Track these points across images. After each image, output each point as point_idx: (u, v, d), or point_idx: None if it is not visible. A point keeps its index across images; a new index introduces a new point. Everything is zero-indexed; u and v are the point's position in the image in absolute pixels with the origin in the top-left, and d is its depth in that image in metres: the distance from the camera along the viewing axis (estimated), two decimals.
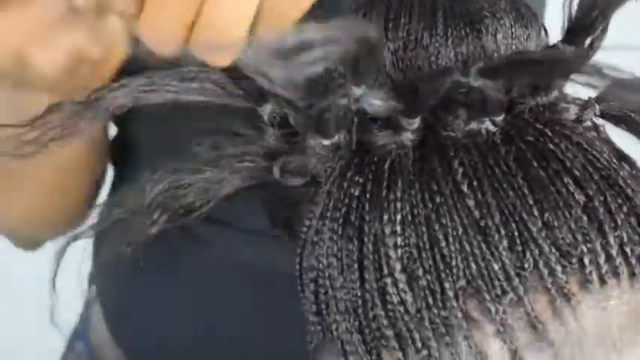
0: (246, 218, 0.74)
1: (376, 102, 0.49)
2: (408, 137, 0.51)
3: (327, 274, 0.52)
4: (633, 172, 0.52)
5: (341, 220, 0.51)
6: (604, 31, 0.52)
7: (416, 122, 0.50)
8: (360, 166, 0.52)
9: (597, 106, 0.54)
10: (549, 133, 0.51)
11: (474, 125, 0.51)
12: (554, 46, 0.53)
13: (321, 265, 0.52)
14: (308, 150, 0.54)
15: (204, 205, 0.57)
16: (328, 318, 0.52)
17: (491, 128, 0.51)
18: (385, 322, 0.49)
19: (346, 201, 0.52)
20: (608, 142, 0.54)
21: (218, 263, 0.78)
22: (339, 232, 0.51)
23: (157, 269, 0.80)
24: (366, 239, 0.50)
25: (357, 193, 0.51)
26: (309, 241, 0.54)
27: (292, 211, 0.60)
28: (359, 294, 0.50)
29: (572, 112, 0.54)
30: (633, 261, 0.49)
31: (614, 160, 0.52)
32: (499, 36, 0.52)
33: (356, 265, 0.50)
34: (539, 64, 0.48)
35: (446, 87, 0.48)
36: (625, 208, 0.50)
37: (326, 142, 0.53)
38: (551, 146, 0.51)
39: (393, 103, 0.49)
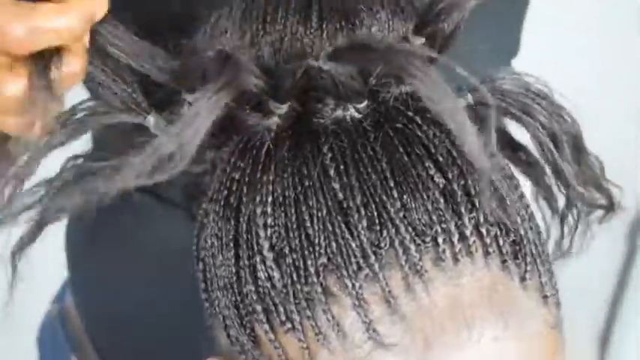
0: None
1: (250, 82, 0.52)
2: (275, 121, 0.54)
3: (210, 253, 0.55)
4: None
5: (222, 202, 0.55)
6: (455, 29, 0.55)
7: (284, 107, 0.53)
8: (242, 151, 0.55)
9: (469, 96, 0.57)
10: (418, 121, 0.54)
11: (339, 112, 0.54)
12: (405, 37, 0.55)
13: (206, 245, 0.56)
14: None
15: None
16: (212, 295, 0.56)
17: (356, 115, 0.54)
18: (255, 297, 0.52)
19: (228, 184, 0.55)
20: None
21: (152, 239, 0.80)
22: (220, 214, 0.55)
23: (103, 242, 0.82)
24: (241, 219, 0.53)
25: (237, 177, 0.55)
26: (199, 222, 0.58)
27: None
28: (234, 271, 0.53)
29: None
30: (488, 241, 0.52)
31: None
32: (374, 29, 0.55)
33: (232, 244, 0.53)
34: (379, 52, 0.51)
35: (301, 71, 0.51)
36: (487, 192, 0.53)
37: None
38: (418, 132, 0.54)
39: (261, 86, 0.52)
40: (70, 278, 0.90)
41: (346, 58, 0.52)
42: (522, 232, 0.53)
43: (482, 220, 0.52)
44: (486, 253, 0.52)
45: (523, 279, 0.53)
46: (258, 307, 0.52)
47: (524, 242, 0.53)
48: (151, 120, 0.55)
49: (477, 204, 0.52)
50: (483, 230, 0.52)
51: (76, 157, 0.58)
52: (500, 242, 0.52)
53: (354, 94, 0.53)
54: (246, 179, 0.54)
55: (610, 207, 0.63)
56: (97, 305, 0.86)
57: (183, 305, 0.72)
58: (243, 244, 0.53)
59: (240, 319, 0.53)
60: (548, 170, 0.61)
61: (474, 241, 0.51)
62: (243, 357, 0.55)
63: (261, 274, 0.52)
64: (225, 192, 0.55)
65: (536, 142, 0.59)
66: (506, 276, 0.52)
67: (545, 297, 0.53)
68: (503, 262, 0.52)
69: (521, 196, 0.56)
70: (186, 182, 0.64)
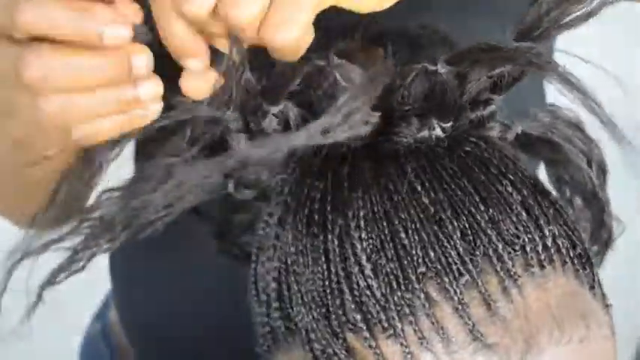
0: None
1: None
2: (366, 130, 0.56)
3: (291, 271, 0.57)
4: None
5: (305, 221, 0.57)
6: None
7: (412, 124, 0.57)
8: (319, 173, 0.58)
9: (520, 128, 0.62)
10: (483, 145, 0.59)
11: (424, 132, 0.57)
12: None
13: (283, 265, 0.58)
14: (261, 164, 0.60)
15: (164, 218, 0.61)
16: (292, 311, 0.57)
17: (440, 134, 0.57)
18: (353, 306, 0.54)
19: (308, 203, 0.57)
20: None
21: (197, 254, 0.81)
22: (304, 231, 0.57)
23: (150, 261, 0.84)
24: (330, 235, 0.56)
25: (318, 196, 0.57)
26: (266, 246, 0.60)
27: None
28: (325, 284, 0.55)
29: (497, 130, 0.61)
30: (564, 252, 0.56)
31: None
32: None
33: (323, 258, 0.56)
34: (499, 52, 0.55)
35: (416, 78, 0.56)
36: (552, 209, 0.57)
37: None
38: (486, 155, 0.58)
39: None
40: (115, 296, 0.91)
41: (468, 60, 0.55)
42: (586, 246, 0.58)
43: (557, 232, 0.56)
44: (563, 263, 0.56)
45: (592, 287, 0.57)
46: (358, 317, 0.54)
47: (588, 255, 0.58)
48: (232, 116, 0.57)
49: (550, 219, 0.56)
50: (559, 242, 0.56)
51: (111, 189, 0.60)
52: (572, 254, 0.56)
53: (449, 108, 0.57)
54: (329, 198, 0.57)
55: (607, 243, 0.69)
56: (144, 322, 0.87)
57: (231, 319, 0.73)
58: (336, 258, 0.55)
59: (332, 330, 0.55)
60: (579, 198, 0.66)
61: (554, 251, 0.55)
62: None
63: (361, 284, 0.54)
64: (307, 211, 0.57)
65: (575, 168, 0.64)
66: (580, 284, 0.56)
67: (606, 306, 0.58)
68: (576, 271, 0.56)
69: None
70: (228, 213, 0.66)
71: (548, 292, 0.55)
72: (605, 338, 0.56)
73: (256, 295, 0.61)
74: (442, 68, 0.56)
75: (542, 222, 0.56)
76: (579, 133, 0.64)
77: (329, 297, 0.55)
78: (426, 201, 0.55)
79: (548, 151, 0.65)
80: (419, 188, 0.56)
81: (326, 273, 0.56)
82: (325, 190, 0.57)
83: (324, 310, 0.56)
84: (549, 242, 0.56)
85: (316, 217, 0.57)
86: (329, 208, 0.57)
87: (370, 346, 0.54)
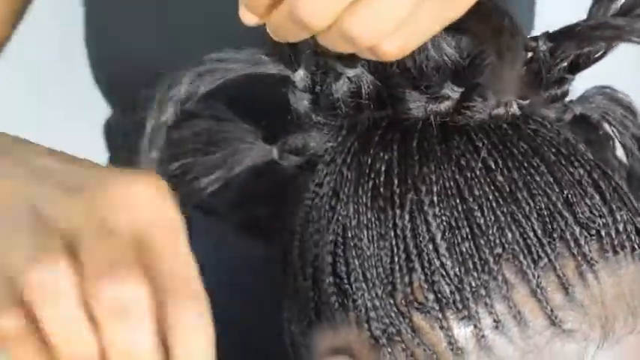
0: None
1: None
2: (447, 105, 0.55)
3: (351, 245, 0.55)
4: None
5: (369, 194, 0.55)
6: None
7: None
8: (384, 142, 0.56)
9: (579, 109, 0.60)
10: (548, 125, 0.57)
11: (500, 109, 0.55)
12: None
13: (341, 238, 0.56)
14: (312, 128, 0.58)
15: (210, 185, 0.59)
16: (350, 288, 0.55)
17: (517, 112, 0.56)
18: (425, 285, 0.53)
19: (372, 175, 0.55)
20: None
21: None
22: (368, 204, 0.55)
23: None
24: (399, 210, 0.54)
25: (384, 168, 0.55)
26: (314, 218, 0.57)
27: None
28: (394, 260, 0.53)
29: (554, 112, 0.59)
30: (633, 237, 0.55)
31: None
32: None
33: (392, 233, 0.54)
34: (598, 29, 0.54)
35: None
36: (618, 194, 0.56)
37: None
38: (552, 135, 0.56)
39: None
40: None
41: (573, 37, 0.54)
42: None
43: (626, 218, 0.55)
44: (633, 249, 0.55)
45: None
46: (430, 296, 0.52)
47: None
48: (300, 74, 0.55)
49: (620, 204, 0.55)
50: (629, 228, 0.55)
51: None
52: (638, 240, 0.55)
53: (551, 81, 0.55)
54: (396, 170, 0.55)
55: None
56: None
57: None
58: (407, 233, 0.53)
59: (398, 310, 0.54)
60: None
61: (625, 237, 0.54)
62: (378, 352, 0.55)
63: (435, 262, 0.52)
64: (371, 183, 0.55)
65: (627, 151, 0.63)
66: None
67: None
68: None
69: None
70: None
71: (621, 279, 0.53)
72: None
73: (302, 268, 0.58)
74: (542, 45, 0.55)
75: (614, 206, 0.55)
76: (633, 117, 0.63)
77: (397, 275, 0.53)
78: (501, 179, 0.53)
79: (597, 134, 0.63)
80: (492, 166, 0.54)
81: (395, 249, 0.53)
82: (391, 162, 0.55)
83: (389, 287, 0.54)
84: (621, 228, 0.54)
85: (382, 190, 0.54)
86: (396, 181, 0.54)
87: (442, 327, 0.52)
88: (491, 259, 0.52)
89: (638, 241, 0.55)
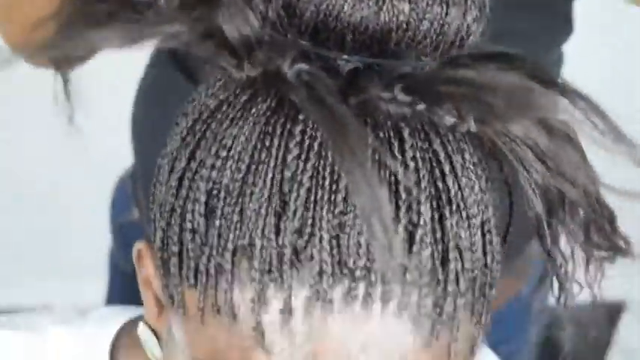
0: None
1: None
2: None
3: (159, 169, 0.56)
4: None
5: (190, 125, 0.54)
6: None
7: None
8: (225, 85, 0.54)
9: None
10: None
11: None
12: None
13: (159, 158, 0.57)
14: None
15: None
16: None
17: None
18: (175, 238, 0.53)
19: (200, 109, 0.54)
20: None
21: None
22: (182, 136, 0.55)
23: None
24: (192, 160, 0.53)
25: (213, 106, 0.54)
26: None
27: None
28: (171, 201, 0.54)
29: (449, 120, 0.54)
30: None
31: None
32: None
33: (177, 177, 0.54)
34: None
35: None
36: None
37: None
38: None
39: None
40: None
41: None
42: None
43: None
44: None
45: None
46: (175, 249, 0.53)
47: None
48: None
49: None
50: None
51: None
52: None
53: None
54: (210, 121, 0.53)
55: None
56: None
57: None
58: (186, 185, 0.53)
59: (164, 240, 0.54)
60: None
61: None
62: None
63: (187, 223, 0.52)
64: (195, 116, 0.54)
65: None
66: None
67: None
68: None
69: None
70: None
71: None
72: None
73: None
74: None
75: None
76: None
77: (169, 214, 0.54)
78: (287, 175, 0.51)
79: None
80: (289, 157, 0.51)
81: (175, 191, 0.54)
82: (216, 109, 0.54)
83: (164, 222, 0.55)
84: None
85: (197, 127, 0.54)
86: (205, 128, 0.54)
87: (174, 284, 0.54)
88: (231, 246, 0.51)
89: None
